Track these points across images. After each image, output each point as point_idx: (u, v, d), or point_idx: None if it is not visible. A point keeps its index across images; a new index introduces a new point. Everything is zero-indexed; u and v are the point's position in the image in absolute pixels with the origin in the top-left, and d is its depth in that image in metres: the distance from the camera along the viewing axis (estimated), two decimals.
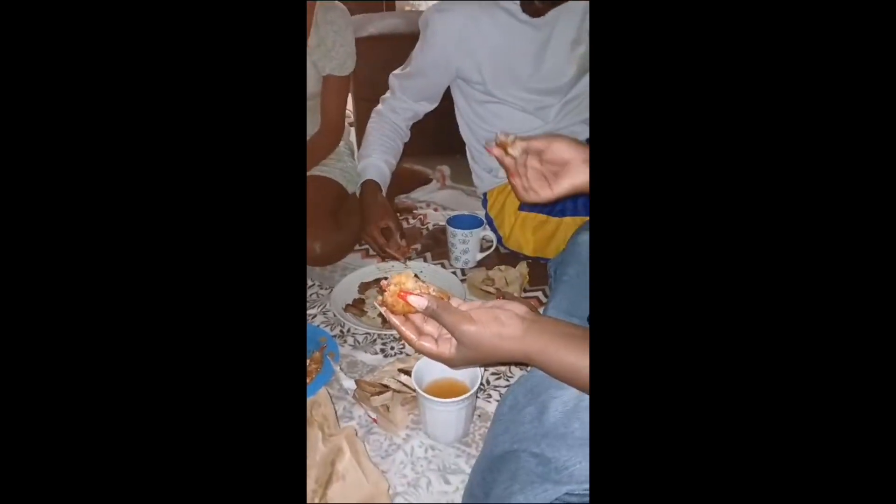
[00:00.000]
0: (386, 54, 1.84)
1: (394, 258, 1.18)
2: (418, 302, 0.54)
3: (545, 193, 0.65)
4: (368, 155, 1.25)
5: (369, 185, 1.22)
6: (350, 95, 1.90)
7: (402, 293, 0.55)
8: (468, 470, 0.74)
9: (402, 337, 0.57)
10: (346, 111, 1.47)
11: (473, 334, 0.53)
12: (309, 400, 0.75)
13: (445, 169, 1.73)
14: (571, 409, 0.53)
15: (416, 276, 0.58)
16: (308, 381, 0.84)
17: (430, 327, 0.58)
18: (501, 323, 0.52)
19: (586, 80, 1.22)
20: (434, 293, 0.56)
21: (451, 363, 0.57)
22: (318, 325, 1.04)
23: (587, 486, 0.49)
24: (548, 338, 0.51)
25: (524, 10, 1.11)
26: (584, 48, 1.18)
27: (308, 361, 0.89)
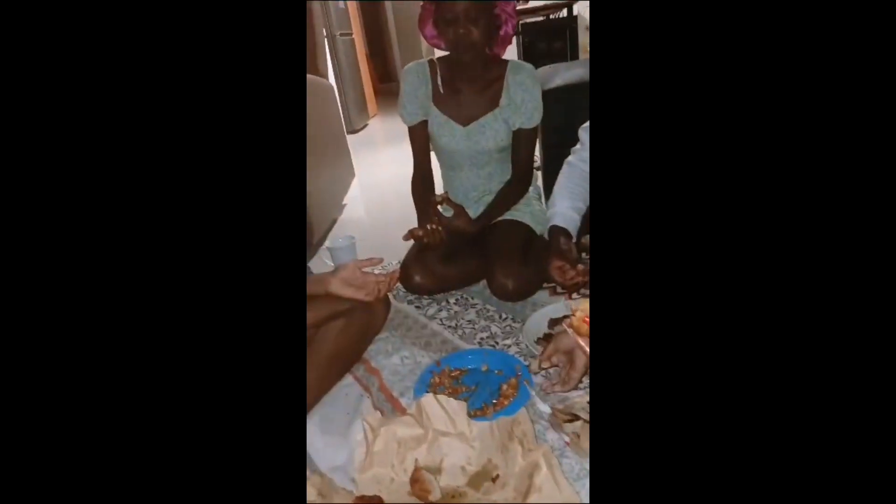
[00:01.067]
0: (572, 103, 1.96)
1: (572, 290, 1.25)
2: None
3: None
4: (557, 203, 1.36)
5: (554, 230, 1.33)
6: (538, 143, 2.05)
7: (587, 318, 0.64)
8: None
9: (585, 355, 0.66)
10: (535, 157, 1.62)
11: None
12: (511, 418, 0.87)
13: None
14: None
15: None
16: (506, 402, 0.96)
17: None
18: None
19: None
20: None
21: None
22: (513, 355, 1.17)
23: None
24: None
25: None
26: None
27: (506, 386, 1.01)
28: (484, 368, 1.12)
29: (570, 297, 1.36)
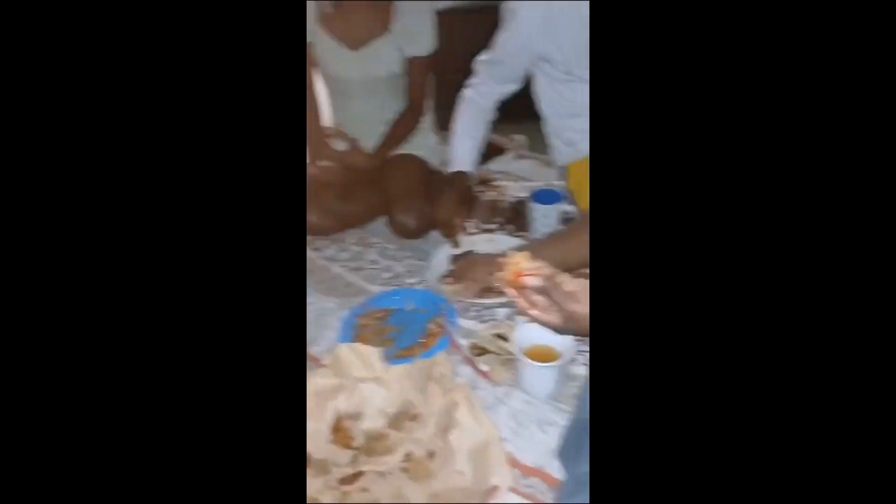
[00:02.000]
0: (468, 30, 1.90)
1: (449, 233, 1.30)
2: (533, 281, 0.66)
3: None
4: (457, 145, 1.35)
5: (455, 175, 1.34)
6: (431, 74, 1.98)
7: (519, 273, 0.67)
8: (561, 422, 0.87)
9: (519, 306, 0.70)
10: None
11: (579, 313, 0.64)
12: (429, 360, 0.90)
13: (520, 138, 1.80)
14: None
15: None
16: (433, 342, 1.00)
17: (541, 299, 0.70)
18: None
19: None
20: (547, 273, 0.68)
21: (556, 330, 0.69)
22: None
23: None
24: None
25: None
26: None
27: (432, 325, 1.04)
28: (410, 308, 1.12)
29: (468, 233, 1.39)
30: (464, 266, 1.12)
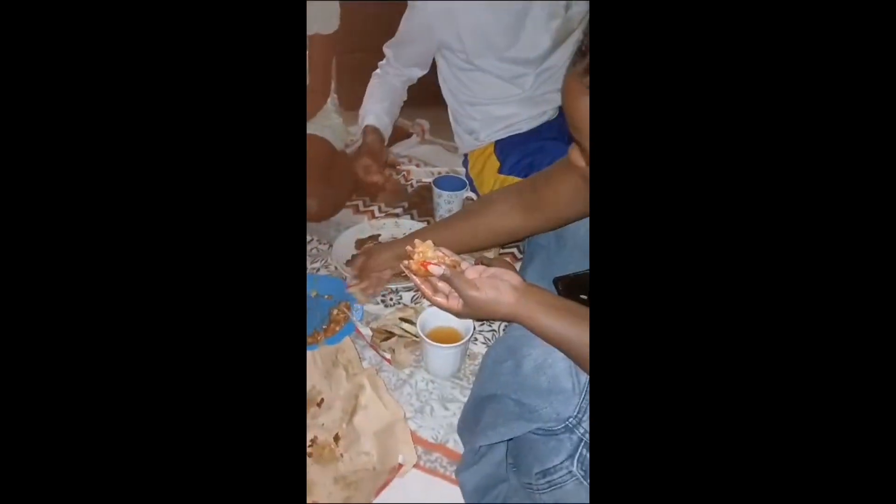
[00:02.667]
0: (372, 9, 1.87)
1: (371, 192, 1.32)
2: (437, 270, 0.70)
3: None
4: (369, 105, 1.38)
5: (367, 129, 1.36)
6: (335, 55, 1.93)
7: (424, 262, 0.70)
8: (462, 398, 0.92)
9: (421, 292, 0.73)
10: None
11: (476, 298, 0.69)
12: (334, 346, 0.91)
13: (425, 123, 1.82)
14: (540, 364, 0.66)
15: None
16: (337, 328, 1.00)
17: (443, 286, 0.73)
18: (499, 291, 0.68)
19: (560, 52, 1.32)
20: (449, 262, 0.71)
21: (458, 315, 0.74)
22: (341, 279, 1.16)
23: (550, 424, 0.64)
24: (533, 306, 0.67)
25: None
26: (559, 21, 1.28)
27: (335, 311, 1.04)
28: (313, 294, 1.11)
29: (373, 217, 1.40)
30: (367, 260, 1.09)
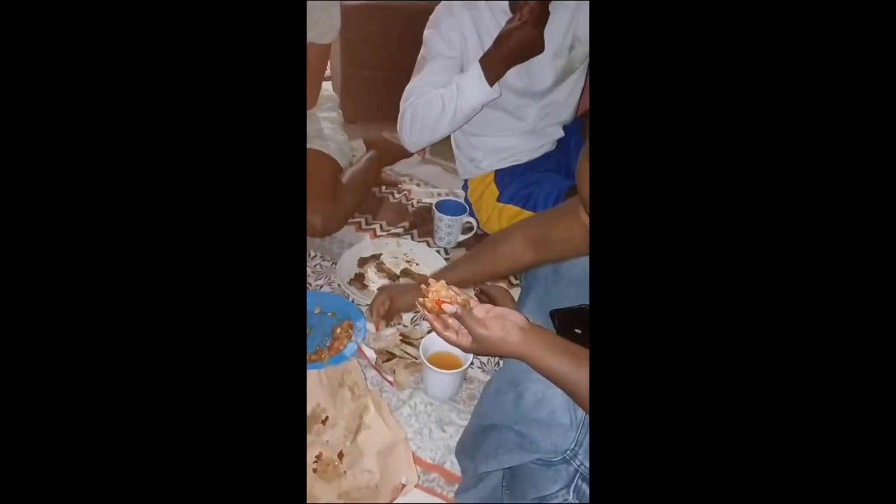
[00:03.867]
0: (376, 25, 1.91)
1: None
2: (450, 309, 0.75)
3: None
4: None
5: None
6: (340, 63, 1.96)
7: (439, 301, 0.76)
8: (459, 421, 0.97)
9: (433, 328, 0.79)
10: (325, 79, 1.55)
11: (485, 337, 0.74)
12: (340, 367, 0.95)
13: None
14: (540, 398, 0.70)
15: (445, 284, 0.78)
16: (341, 347, 1.04)
17: (454, 322, 0.79)
18: (507, 331, 0.74)
19: (563, 87, 1.39)
20: (460, 300, 0.77)
21: (466, 351, 0.79)
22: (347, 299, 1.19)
23: (548, 455, 0.69)
24: (538, 346, 0.73)
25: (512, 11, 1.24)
26: (563, 61, 1.34)
27: (339, 329, 1.08)
28: (317, 311, 1.15)
29: (375, 236, 1.45)
30: (393, 304, 1.12)
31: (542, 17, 1.18)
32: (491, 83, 1.21)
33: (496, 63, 1.20)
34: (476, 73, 1.21)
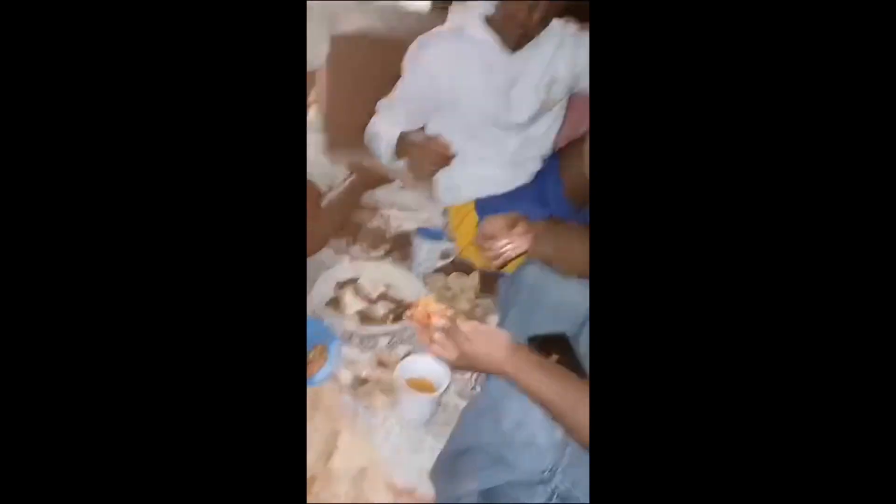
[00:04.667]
0: (364, 52, 1.96)
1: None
2: (438, 322, 0.77)
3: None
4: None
5: None
6: (325, 89, 1.99)
7: (428, 314, 0.78)
8: (434, 445, 0.96)
9: (419, 339, 0.80)
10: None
11: (471, 351, 0.75)
12: (314, 389, 0.94)
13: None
14: (519, 421, 0.73)
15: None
16: (315, 369, 1.03)
17: (439, 335, 0.80)
18: (491, 347, 0.75)
19: (541, 122, 1.44)
20: (449, 315, 0.79)
21: (451, 364, 0.80)
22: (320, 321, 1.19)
23: (526, 476, 0.70)
24: (522, 364, 0.74)
25: (503, 43, 1.30)
26: (542, 97, 1.40)
27: (312, 352, 1.07)
28: None
29: (353, 260, 1.45)
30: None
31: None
32: None
33: None
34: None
